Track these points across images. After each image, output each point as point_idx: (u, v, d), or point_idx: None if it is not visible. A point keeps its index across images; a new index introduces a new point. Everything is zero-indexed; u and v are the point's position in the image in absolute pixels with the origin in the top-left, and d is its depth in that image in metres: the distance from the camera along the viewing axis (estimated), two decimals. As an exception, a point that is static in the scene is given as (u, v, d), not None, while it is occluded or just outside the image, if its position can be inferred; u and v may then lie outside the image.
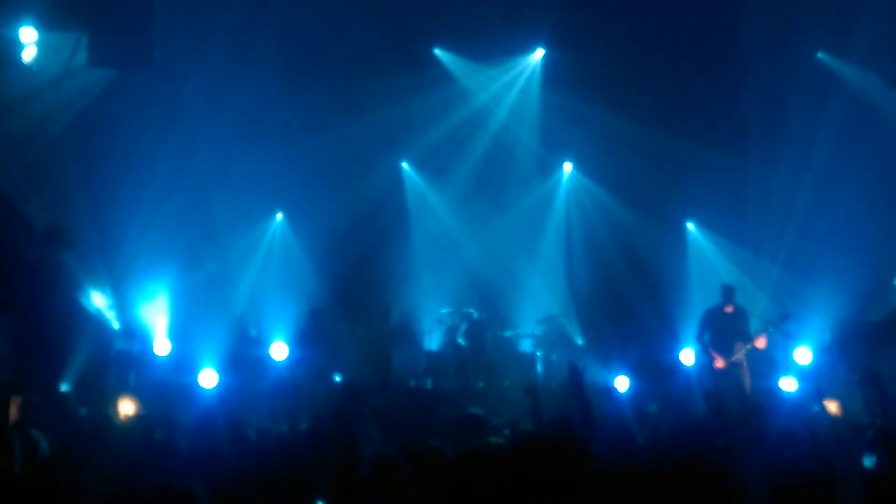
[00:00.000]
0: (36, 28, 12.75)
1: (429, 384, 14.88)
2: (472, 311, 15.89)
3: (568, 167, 17.43)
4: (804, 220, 15.57)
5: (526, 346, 16.29)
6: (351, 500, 6.20)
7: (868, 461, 6.49)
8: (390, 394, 14.01)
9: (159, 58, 13.67)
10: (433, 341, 16.27)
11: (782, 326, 13.65)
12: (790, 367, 14.12)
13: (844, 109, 15.22)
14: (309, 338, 14.87)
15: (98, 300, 13.84)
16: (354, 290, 16.26)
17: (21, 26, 12.67)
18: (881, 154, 15.08)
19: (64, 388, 11.54)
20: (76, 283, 12.82)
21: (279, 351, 15.08)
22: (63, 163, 14.20)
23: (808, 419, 8.40)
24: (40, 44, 12.86)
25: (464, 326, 15.72)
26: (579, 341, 16.40)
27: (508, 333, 16.05)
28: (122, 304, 14.50)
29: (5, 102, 13.18)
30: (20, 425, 8.75)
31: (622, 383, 12.82)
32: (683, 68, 15.70)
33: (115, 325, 14.19)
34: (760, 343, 13.44)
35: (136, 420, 9.11)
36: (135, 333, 14.38)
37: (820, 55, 15.52)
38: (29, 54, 12.78)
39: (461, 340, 15.46)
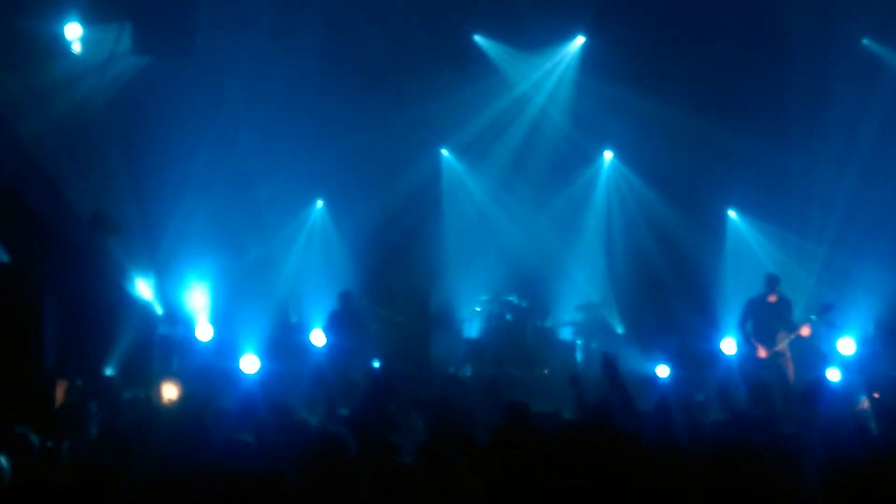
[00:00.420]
0: (80, 22, 12.89)
1: (468, 372, 14.89)
2: (511, 298, 15.89)
3: (608, 155, 17.32)
4: (848, 209, 15.39)
5: (566, 334, 16.26)
6: (392, 487, 6.23)
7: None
8: (429, 381, 14.03)
9: (201, 45, 13.75)
10: (472, 329, 16.27)
11: (825, 317, 13.50)
12: (834, 358, 13.98)
13: (889, 96, 15.01)
14: (338, 321, 14.92)
15: (142, 285, 13.96)
16: (394, 278, 16.29)
17: (67, 22, 12.86)
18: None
19: (109, 372, 11.67)
20: (120, 268, 12.93)
21: (318, 337, 15.14)
22: (107, 150, 14.36)
23: (854, 410, 8.30)
24: (85, 33, 13.01)
25: (504, 314, 15.72)
26: (619, 330, 16.34)
27: (548, 322, 16.02)
28: (165, 290, 14.61)
29: (53, 90, 13.35)
30: (66, 408, 8.85)
31: (663, 371, 12.75)
32: (724, 54, 15.58)
33: (159, 311, 14.31)
34: (805, 331, 13.31)
35: (181, 404, 9.17)
36: (178, 319, 14.50)
37: (865, 41, 15.30)
38: (76, 45, 12.95)
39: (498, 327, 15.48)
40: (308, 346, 14.93)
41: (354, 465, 6.41)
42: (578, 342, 15.76)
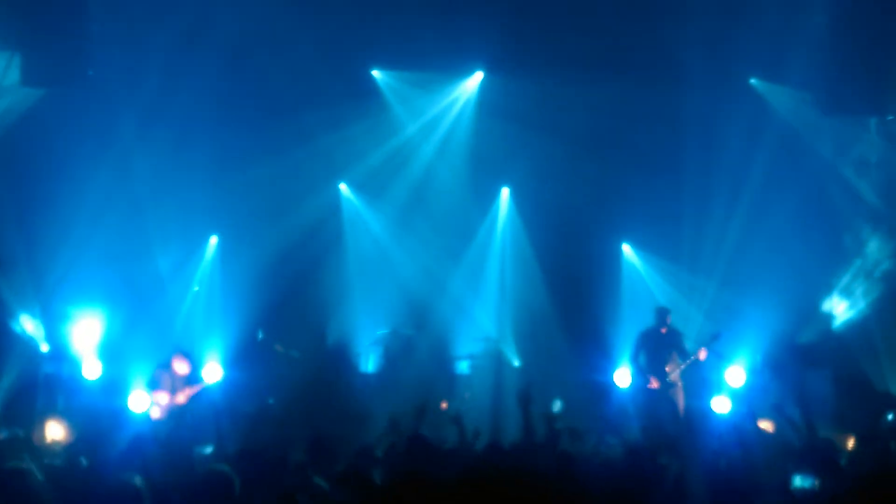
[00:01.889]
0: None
1: (364, 406, 14.78)
2: (408, 332, 15.87)
3: (505, 192, 17.47)
4: (737, 244, 15.73)
5: (463, 368, 16.28)
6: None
7: (797, 481, 6.55)
8: (326, 416, 13.90)
9: (93, 77, 13.52)
10: (370, 362, 16.20)
11: (714, 346, 13.79)
12: (722, 387, 14.28)
13: (777, 134, 15.42)
14: (247, 361, 14.74)
15: (26, 321, 13.60)
16: (290, 313, 16.12)
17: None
18: (813, 178, 15.34)
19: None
20: (2, 303, 12.60)
21: (212, 373, 14.89)
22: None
23: (740, 439, 8.46)
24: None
25: (401, 348, 15.70)
26: (516, 363, 16.42)
27: (446, 356, 16.03)
28: (51, 326, 14.24)
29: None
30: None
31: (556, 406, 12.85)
32: (620, 92, 15.81)
33: (44, 347, 13.95)
34: (702, 355, 13.58)
35: (63, 445, 8.91)
36: (63, 356, 14.12)
37: (753, 81, 15.74)
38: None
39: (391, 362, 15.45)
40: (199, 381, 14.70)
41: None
42: (475, 376, 15.77)
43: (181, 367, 13.03)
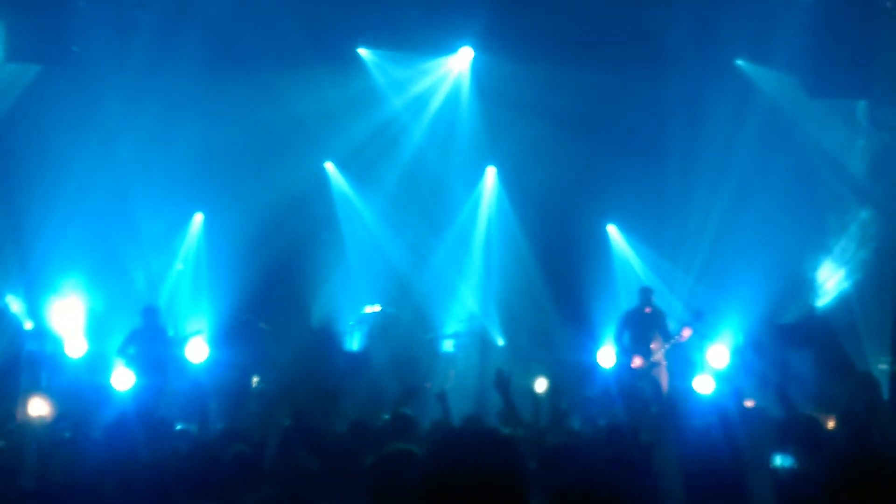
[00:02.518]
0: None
1: (348, 385, 14.80)
2: (393, 310, 15.89)
3: (491, 171, 17.47)
4: (722, 223, 15.78)
5: (447, 346, 16.32)
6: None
7: (777, 460, 6.60)
8: (310, 395, 13.90)
9: (78, 53, 13.45)
10: (354, 341, 16.22)
11: (696, 325, 13.85)
12: (705, 368, 14.34)
13: (762, 116, 15.44)
14: (233, 340, 14.75)
15: (9, 299, 13.56)
16: (275, 291, 16.12)
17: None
18: (798, 159, 15.38)
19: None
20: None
21: (197, 351, 14.90)
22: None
23: (723, 419, 8.50)
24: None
25: (386, 327, 15.73)
26: (500, 342, 16.47)
27: (430, 334, 16.06)
28: (35, 304, 14.21)
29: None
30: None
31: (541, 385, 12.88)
32: (606, 73, 15.80)
33: (27, 326, 13.92)
34: (686, 333, 13.64)
35: (45, 421, 8.90)
36: (46, 334, 14.10)
37: (738, 62, 15.75)
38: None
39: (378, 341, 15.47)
40: (183, 360, 14.70)
41: (228, 480, 6.33)
42: (459, 355, 15.82)
43: None
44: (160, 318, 14.24)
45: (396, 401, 8.45)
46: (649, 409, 9.30)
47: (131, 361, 13.24)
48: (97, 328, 14.69)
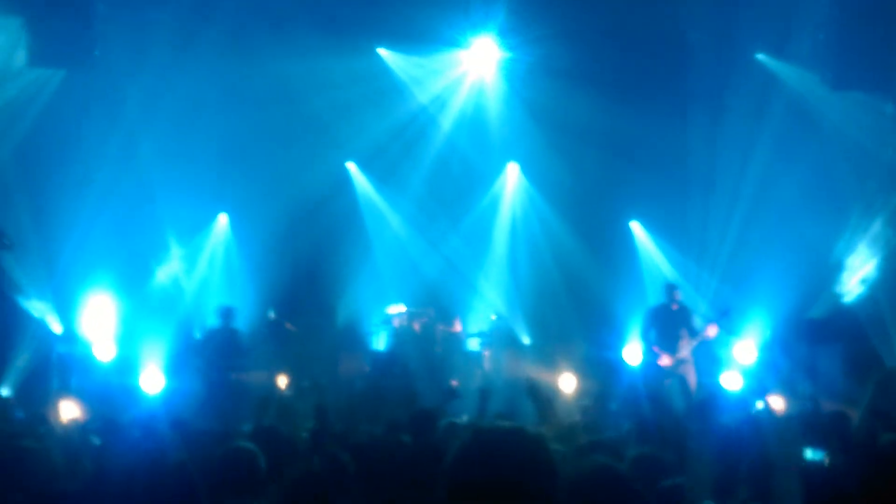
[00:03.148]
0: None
1: (376, 384, 14.85)
2: (418, 310, 15.91)
3: (513, 167, 17.46)
4: (746, 219, 15.73)
5: (473, 345, 16.32)
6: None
7: (808, 454, 6.57)
8: (338, 395, 13.96)
9: (100, 57, 13.53)
10: (380, 341, 16.25)
11: (722, 322, 13.78)
12: (733, 364, 14.28)
13: (784, 111, 15.36)
14: (259, 340, 14.83)
15: (38, 303, 13.66)
16: (300, 291, 16.16)
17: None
18: (821, 154, 15.27)
19: (3, 391, 11.38)
20: (16, 285, 12.64)
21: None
22: (3, 164, 14.00)
23: (751, 415, 8.49)
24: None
25: (411, 326, 15.75)
26: (525, 341, 16.45)
27: (456, 333, 16.07)
28: (64, 307, 14.31)
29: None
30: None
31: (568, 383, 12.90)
32: (627, 69, 15.81)
33: (57, 329, 14.01)
34: (711, 331, 13.55)
35: (77, 424, 8.97)
36: (76, 337, 14.19)
37: (760, 56, 15.68)
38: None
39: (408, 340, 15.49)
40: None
41: (256, 480, 6.36)
42: (485, 353, 15.82)
43: None
44: (235, 319, 14.33)
45: (439, 401, 8.47)
46: (677, 407, 9.28)
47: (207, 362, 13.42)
48: (126, 331, 14.78)
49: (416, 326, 15.82)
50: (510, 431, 3.44)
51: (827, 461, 6.53)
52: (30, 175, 14.30)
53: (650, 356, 13.87)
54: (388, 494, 5.79)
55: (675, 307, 13.87)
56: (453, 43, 16.29)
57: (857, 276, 15.13)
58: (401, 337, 15.83)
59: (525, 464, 3.33)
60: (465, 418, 8.74)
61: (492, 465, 3.30)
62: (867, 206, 15.14)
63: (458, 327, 16.10)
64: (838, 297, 15.25)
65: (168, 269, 15.97)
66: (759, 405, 8.95)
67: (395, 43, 16.45)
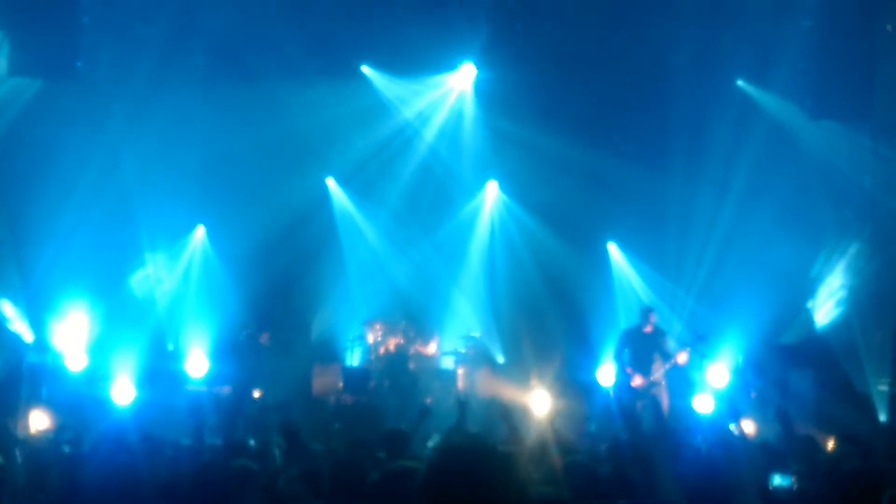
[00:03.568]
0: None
1: (348, 401, 14.82)
2: (393, 326, 15.91)
3: (492, 186, 17.52)
4: (722, 243, 15.82)
5: (448, 363, 16.31)
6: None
7: (776, 480, 6.61)
8: (310, 410, 13.92)
9: (82, 68, 13.52)
10: (354, 357, 16.22)
11: (698, 346, 13.85)
12: (705, 387, 14.33)
13: (763, 137, 15.48)
14: (233, 354, 14.77)
15: (10, 312, 13.57)
16: (276, 306, 16.13)
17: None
18: (797, 181, 15.41)
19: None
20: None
21: (197, 366, 14.93)
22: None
23: (722, 438, 8.52)
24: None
25: (386, 343, 15.74)
26: (500, 360, 16.45)
27: (430, 351, 16.06)
28: (37, 317, 14.22)
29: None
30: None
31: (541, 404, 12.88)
32: (609, 91, 15.89)
33: (28, 338, 13.92)
34: (682, 358, 13.61)
35: (46, 434, 8.92)
36: (48, 347, 14.11)
37: (739, 83, 15.82)
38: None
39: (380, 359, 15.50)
40: (183, 374, 14.72)
41: (226, 494, 6.33)
42: (459, 371, 15.82)
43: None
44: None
45: (414, 419, 8.46)
46: (648, 428, 9.30)
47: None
48: (97, 341, 14.70)
49: (391, 343, 15.81)
50: (481, 450, 3.45)
51: (795, 486, 6.57)
52: (6, 184, 14.24)
53: (623, 377, 13.92)
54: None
55: (648, 329, 13.93)
56: (436, 64, 16.37)
57: (830, 301, 15.24)
58: (374, 353, 15.82)
59: (495, 483, 3.33)
60: (436, 437, 8.73)
61: (462, 483, 3.30)
62: (842, 233, 15.28)
63: (433, 349, 16.10)
64: (812, 322, 15.37)
65: (142, 279, 15.90)
66: (732, 428, 8.99)
67: (379, 62, 16.51)
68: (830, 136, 15.00)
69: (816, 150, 15.24)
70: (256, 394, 13.36)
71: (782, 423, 8.19)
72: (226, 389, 14.28)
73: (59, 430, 9.52)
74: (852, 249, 15.18)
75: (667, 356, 13.68)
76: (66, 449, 7.52)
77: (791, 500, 6.50)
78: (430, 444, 8.10)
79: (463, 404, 8.03)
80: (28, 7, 13.10)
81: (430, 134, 17.12)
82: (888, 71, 14.00)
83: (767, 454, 7.65)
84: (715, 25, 15.03)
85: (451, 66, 16.63)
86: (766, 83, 15.49)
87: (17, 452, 7.96)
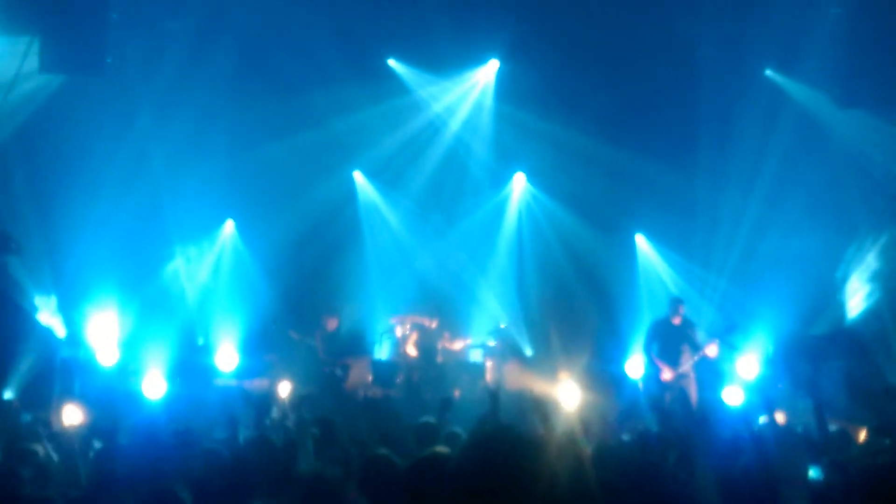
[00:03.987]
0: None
1: (377, 394, 14.85)
2: (422, 321, 15.92)
3: (520, 178, 17.50)
4: (751, 235, 15.75)
5: (476, 356, 16.32)
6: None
7: (813, 472, 6.58)
8: (341, 404, 13.95)
9: (111, 64, 13.59)
10: (383, 351, 16.26)
11: (728, 338, 13.77)
12: (735, 379, 14.27)
13: (792, 126, 15.39)
14: (262, 347, 14.84)
15: (43, 307, 13.69)
16: (305, 299, 16.19)
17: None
18: (827, 171, 15.31)
19: (7, 395, 11.40)
20: (21, 289, 12.68)
21: (227, 359, 15.01)
22: (11, 169, 14.06)
23: (754, 430, 8.48)
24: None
25: (414, 337, 15.76)
26: (528, 352, 16.44)
27: (458, 344, 16.07)
28: (69, 312, 14.35)
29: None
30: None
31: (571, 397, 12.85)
32: (635, 83, 15.83)
33: (61, 333, 14.04)
34: (711, 351, 13.55)
35: (80, 428, 8.99)
36: (80, 341, 14.23)
37: (768, 72, 15.71)
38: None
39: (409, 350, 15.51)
40: (214, 368, 14.80)
41: (254, 487, 6.38)
42: (488, 364, 15.82)
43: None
44: None
45: (438, 409, 8.46)
46: (678, 421, 9.26)
47: None
48: (129, 336, 14.82)
49: (419, 337, 15.82)
50: (512, 439, 3.46)
51: (829, 478, 6.53)
52: (38, 180, 14.37)
53: (652, 369, 13.88)
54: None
55: (677, 321, 13.87)
56: (463, 59, 16.37)
57: (861, 292, 15.13)
58: (403, 347, 15.85)
59: (525, 471, 3.34)
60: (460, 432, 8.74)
61: (493, 471, 3.31)
62: (874, 223, 15.16)
63: (461, 342, 16.10)
64: (843, 313, 15.26)
65: (172, 274, 16.01)
66: (764, 419, 8.94)
67: (405, 57, 16.52)
68: (860, 125, 14.89)
69: (846, 139, 15.13)
70: (286, 387, 13.36)
71: (816, 415, 8.12)
72: (258, 383, 14.35)
73: (90, 425, 9.58)
74: (883, 239, 15.07)
75: (696, 348, 13.62)
76: (98, 444, 7.58)
77: (823, 493, 6.46)
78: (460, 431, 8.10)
79: (495, 395, 8.01)
80: (57, 4, 13.18)
81: (456, 128, 17.13)
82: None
83: (800, 447, 7.61)
84: (742, 15, 14.93)
85: (477, 62, 16.61)
86: (795, 73, 15.39)
87: (51, 446, 8.04)
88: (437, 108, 17.02)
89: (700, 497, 6.40)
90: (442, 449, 5.35)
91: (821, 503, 6.34)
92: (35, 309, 13.77)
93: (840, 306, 15.32)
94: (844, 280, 15.38)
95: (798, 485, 6.61)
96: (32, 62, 13.30)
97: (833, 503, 6.15)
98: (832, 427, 8.82)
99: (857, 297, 15.19)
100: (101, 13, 13.50)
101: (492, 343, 16.07)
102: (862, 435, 9.60)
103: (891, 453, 8.10)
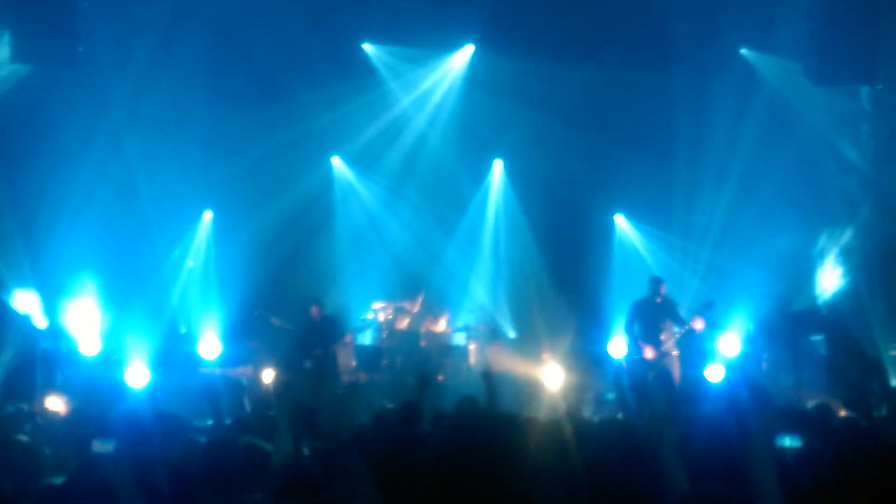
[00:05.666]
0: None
1: (362, 379, 14.88)
2: (404, 304, 15.95)
3: (498, 164, 17.52)
4: (730, 212, 15.83)
5: (458, 339, 16.36)
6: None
7: (786, 441, 6.62)
8: (323, 391, 13.98)
9: (84, 54, 13.52)
10: (365, 336, 16.28)
11: (706, 314, 13.81)
12: (716, 356, 14.34)
13: (767, 104, 15.45)
14: (243, 335, 14.84)
15: (22, 298, 13.63)
16: (286, 287, 16.17)
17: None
18: (803, 147, 15.40)
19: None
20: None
21: (210, 348, 14.99)
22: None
23: (733, 403, 8.53)
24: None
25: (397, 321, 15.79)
26: (511, 334, 16.50)
27: (441, 328, 16.10)
28: (48, 303, 14.30)
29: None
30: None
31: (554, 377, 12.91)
32: (610, 65, 15.84)
33: (41, 324, 13.99)
34: (698, 324, 13.57)
35: (67, 418, 8.99)
36: (61, 332, 14.19)
37: (743, 51, 15.76)
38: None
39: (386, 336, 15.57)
40: (196, 356, 14.78)
41: (242, 473, 6.38)
42: (471, 347, 15.86)
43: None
44: None
45: (412, 392, 8.47)
46: (660, 399, 9.32)
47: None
48: (111, 326, 14.77)
49: (402, 321, 15.87)
50: (494, 421, 3.48)
51: (804, 447, 6.59)
52: (12, 169, 14.29)
53: (634, 349, 13.93)
54: (378, 485, 5.83)
55: (659, 300, 13.93)
56: (438, 42, 16.33)
57: (839, 268, 15.24)
58: (386, 332, 15.88)
59: (507, 453, 3.36)
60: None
61: (473, 452, 3.33)
62: (849, 200, 15.26)
63: (443, 326, 16.12)
64: (821, 289, 15.37)
65: (153, 264, 15.98)
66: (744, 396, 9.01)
67: (380, 40, 16.47)
68: (833, 103, 14.99)
69: (820, 117, 15.22)
70: (269, 374, 13.38)
71: (796, 391, 8.18)
72: (241, 370, 14.36)
73: (74, 415, 9.56)
74: (859, 216, 15.17)
75: (681, 322, 13.66)
76: (82, 431, 7.57)
77: (798, 460, 6.52)
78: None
79: (489, 376, 8.01)
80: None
81: (434, 112, 17.10)
82: (892, 33, 13.93)
83: (779, 419, 7.67)
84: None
85: (453, 46, 16.57)
86: (769, 49, 15.43)
87: (38, 435, 8.04)
88: (413, 93, 16.98)
89: (670, 466, 6.45)
90: (419, 431, 5.38)
91: (792, 470, 6.39)
92: (14, 300, 13.73)
93: (820, 280, 15.43)
94: (822, 255, 15.49)
95: (770, 452, 6.65)
96: (4, 52, 13.23)
97: (805, 470, 6.20)
98: (813, 402, 8.89)
99: (836, 272, 15.30)
100: (73, 2, 13.43)
101: (473, 323, 16.13)
102: (842, 410, 9.69)
103: (867, 427, 8.19)
